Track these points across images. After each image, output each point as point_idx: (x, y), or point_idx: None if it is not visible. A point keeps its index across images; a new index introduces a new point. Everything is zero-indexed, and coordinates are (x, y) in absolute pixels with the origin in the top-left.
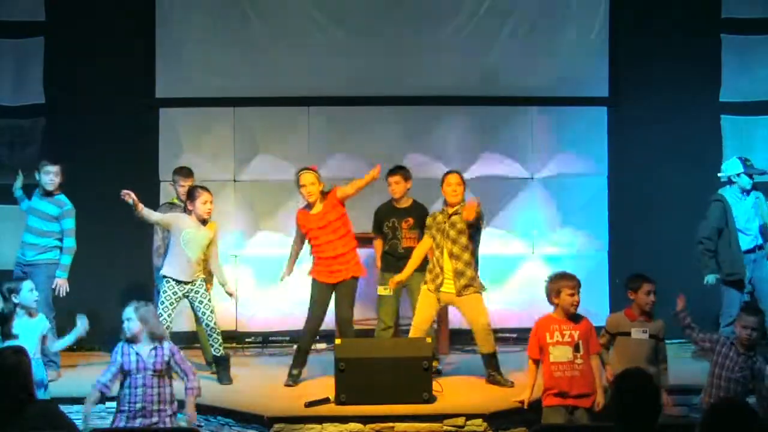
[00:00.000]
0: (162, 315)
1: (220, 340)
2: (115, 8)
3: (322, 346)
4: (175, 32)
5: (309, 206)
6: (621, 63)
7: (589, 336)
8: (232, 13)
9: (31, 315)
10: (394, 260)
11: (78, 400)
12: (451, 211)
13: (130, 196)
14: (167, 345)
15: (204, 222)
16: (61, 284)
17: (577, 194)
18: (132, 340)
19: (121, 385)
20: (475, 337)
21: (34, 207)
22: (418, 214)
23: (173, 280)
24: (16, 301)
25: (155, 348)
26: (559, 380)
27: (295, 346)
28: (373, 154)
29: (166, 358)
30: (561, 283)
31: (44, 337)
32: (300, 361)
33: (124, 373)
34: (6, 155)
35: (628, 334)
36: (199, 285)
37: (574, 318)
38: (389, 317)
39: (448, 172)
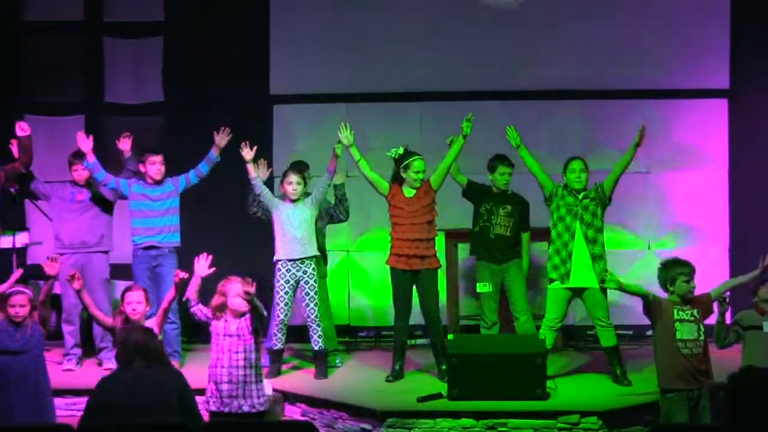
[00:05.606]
0: (279, 304)
1: (320, 332)
2: (231, 7)
3: (423, 340)
4: (289, 29)
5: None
6: (743, 52)
7: (707, 308)
8: (344, 9)
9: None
10: (485, 245)
11: (198, 392)
12: (581, 195)
13: (246, 147)
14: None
15: (293, 202)
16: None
17: (696, 189)
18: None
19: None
20: (597, 330)
21: (145, 193)
22: (518, 202)
23: (286, 261)
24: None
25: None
26: (685, 358)
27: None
28: (485, 150)
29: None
30: (676, 270)
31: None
32: (399, 356)
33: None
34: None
35: (760, 328)
36: (311, 269)
37: (691, 301)
38: (493, 313)
39: (571, 158)
